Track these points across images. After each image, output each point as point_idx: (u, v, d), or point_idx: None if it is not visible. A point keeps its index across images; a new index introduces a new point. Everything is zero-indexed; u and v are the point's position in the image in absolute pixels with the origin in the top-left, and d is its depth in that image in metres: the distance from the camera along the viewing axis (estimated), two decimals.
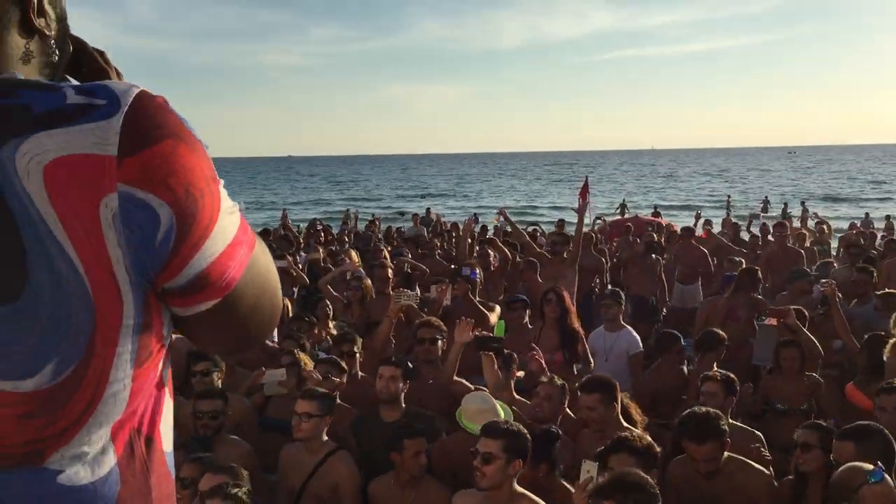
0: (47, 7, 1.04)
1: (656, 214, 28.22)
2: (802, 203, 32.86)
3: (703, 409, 4.08)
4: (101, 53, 1.22)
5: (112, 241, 0.87)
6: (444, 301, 6.63)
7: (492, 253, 9.51)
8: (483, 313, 6.62)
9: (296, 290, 9.32)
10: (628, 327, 6.89)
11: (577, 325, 6.23)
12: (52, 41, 1.05)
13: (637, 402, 4.90)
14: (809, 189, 55.78)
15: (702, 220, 17.49)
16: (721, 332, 6.14)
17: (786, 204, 33.81)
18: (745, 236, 14.93)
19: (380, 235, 16.00)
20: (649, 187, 66.83)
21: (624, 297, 7.23)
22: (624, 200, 38.55)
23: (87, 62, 1.19)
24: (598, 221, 19.27)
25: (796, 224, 19.18)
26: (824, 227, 16.02)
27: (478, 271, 7.49)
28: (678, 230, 14.35)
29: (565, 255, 8.65)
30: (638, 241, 12.59)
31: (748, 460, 3.97)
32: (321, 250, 11.54)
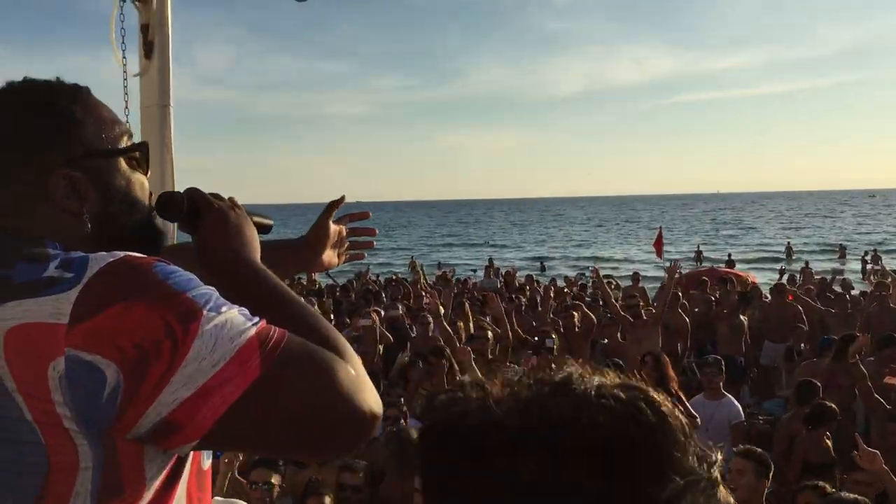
0: (88, 188, 1.17)
1: (730, 265, 27.74)
2: (875, 251, 31.94)
3: (851, 496, 3.86)
4: (217, 195, 1.36)
5: (59, 400, 0.97)
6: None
7: (576, 315, 9.36)
8: None
9: (381, 348, 9.27)
10: (729, 396, 6.77)
11: (677, 390, 6.12)
12: (86, 217, 1.17)
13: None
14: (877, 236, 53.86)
15: (786, 276, 17.10)
16: (833, 405, 5.96)
17: (873, 251, 32.54)
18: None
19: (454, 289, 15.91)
20: (717, 234, 65.75)
21: (723, 364, 7.10)
22: (699, 247, 38.00)
23: (202, 206, 1.33)
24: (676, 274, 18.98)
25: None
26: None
27: (553, 338, 7.39)
28: (756, 283, 14.12)
29: (645, 317, 8.56)
30: (715, 296, 12.38)
31: None
32: (400, 307, 11.50)
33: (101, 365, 0.97)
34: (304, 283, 16.50)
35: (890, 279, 16.96)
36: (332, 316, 11.04)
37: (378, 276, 23.02)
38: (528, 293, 14.66)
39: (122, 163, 1.24)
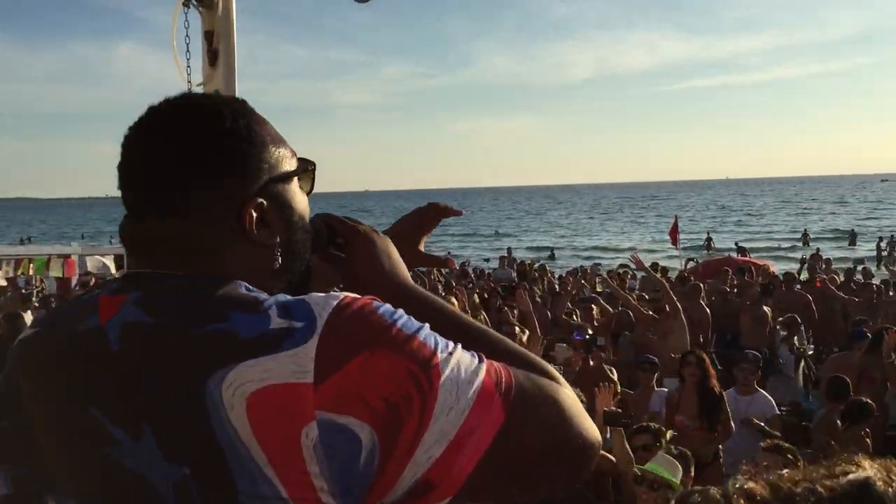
0: (274, 216, 1.06)
1: (742, 252, 27.68)
2: (892, 237, 31.72)
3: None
4: (342, 221, 1.24)
5: (314, 470, 0.87)
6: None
7: (595, 308, 9.33)
8: (613, 380, 6.56)
9: None
10: (762, 391, 6.73)
11: (717, 389, 6.07)
12: (277, 250, 1.07)
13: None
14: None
15: (824, 259, 16.97)
16: (871, 402, 5.89)
17: (890, 237, 32.25)
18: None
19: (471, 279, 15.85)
20: (727, 220, 65.51)
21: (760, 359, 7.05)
22: (709, 234, 37.89)
23: (346, 233, 1.22)
24: (691, 263, 18.93)
25: None
26: None
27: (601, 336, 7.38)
28: (775, 272, 14.02)
29: (668, 308, 8.54)
30: (731, 286, 12.30)
31: None
32: None
33: (354, 427, 0.88)
34: None
35: None
36: None
37: None
38: (544, 284, 14.64)
39: (297, 184, 1.13)
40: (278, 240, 1.07)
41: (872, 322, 9.99)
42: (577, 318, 9.62)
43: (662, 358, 7.74)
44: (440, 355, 0.94)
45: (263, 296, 0.96)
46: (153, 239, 1.03)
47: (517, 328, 7.49)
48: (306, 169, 1.15)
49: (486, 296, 11.79)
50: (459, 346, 0.97)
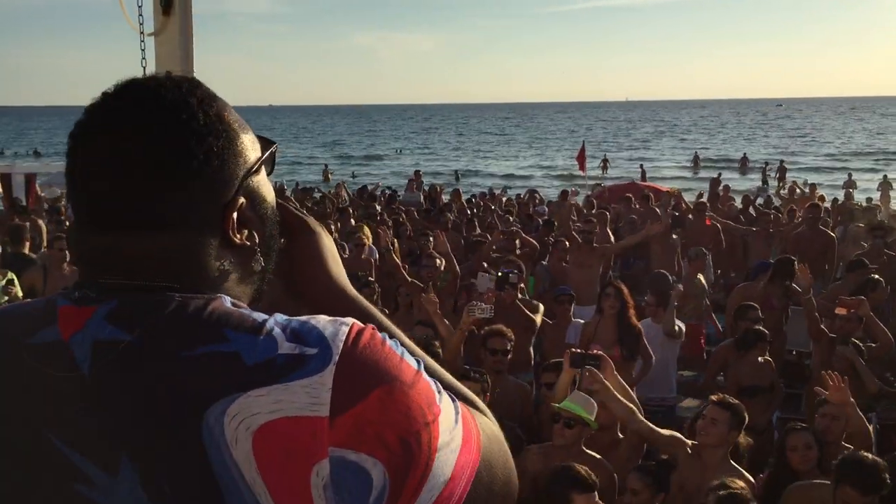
0: (251, 214, 0.96)
1: (642, 177, 28.52)
2: (781, 163, 33.13)
3: (871, 456, 3.82)
4: (292, 212, 1.12)
5: None
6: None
7: (517, 242, 9.28)
8: (532, 319, 6.53)
9: None
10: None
11: (636, 320, 6.25)
12: (257, 250, 0.98)
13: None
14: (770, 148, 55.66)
15: (721, 187, 17.49)
16: (765, 329, 6.20)
17: (775, 165, 33.50)
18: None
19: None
20: (624, 142, 66.81)
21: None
22: (605, 157, 38.62)
23: (296, 227, 1.11)
24: (598, 186, 19.23)
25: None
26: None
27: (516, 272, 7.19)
28: (684, 200, 14.43)
29: (595, 245, 8.66)
30: (635, 212, 12.60)
31: None
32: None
33: (366, 465, 0.81)
34: None
35: (798, 193, 17.74)
36: None
37: (297, 185, 22.44)
38: (455, 210, 14.51)
39: (264, 172, 1.01)
40: (257, 239, 0.97)
41: (770, 250, 10.51)
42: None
43: (582, 288, 7.91)
44: (437, 392, 0.90)
45: (261, 315, 0.87)
46: (122, 251, 0.89)
47: (437, 259, 7.48)
48: (272, 152, 1.03)
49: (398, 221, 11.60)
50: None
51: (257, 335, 0.83)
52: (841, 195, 19.50)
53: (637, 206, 13.73)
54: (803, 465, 4.20)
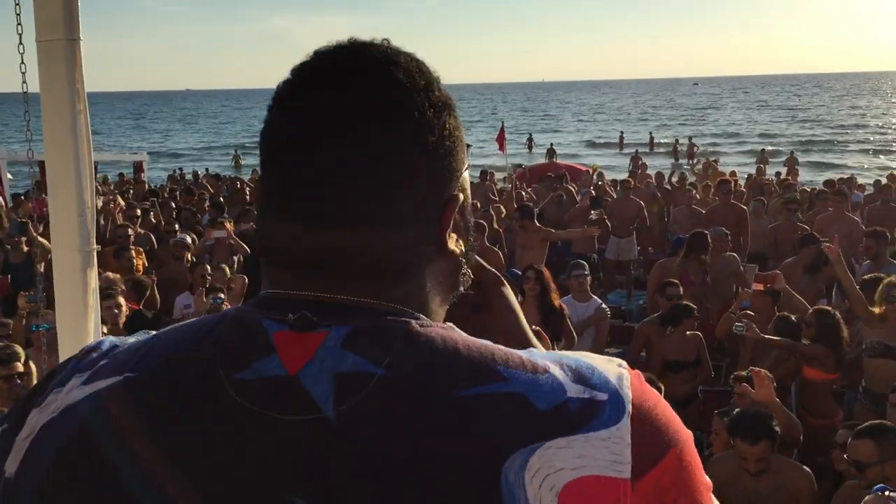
0: (457, 216, 0.80)
1: (551, 153, 29.17)
2: (690, 139, 34.12)
3: (755, 408, 4.17)
4: (484, 267, 1.00)
5: None
6: None
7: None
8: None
9: (236, 259, 8.90)
10: (596, 297, 7.07)
11: (558, 301, 6.28)
12: (463, 259, 0.82)
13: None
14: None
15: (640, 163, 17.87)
16: (691, 304, 6.33)
17: (685, 140, 34.53)
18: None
19: None
20: (540, 122, 67.45)
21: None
22: (531, 135, 39.06)
23: (492, 283, 0.99)
24: (519, 167, 19.33)
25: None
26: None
27: None
28: (606, 181, 14.72)
29: (530, 229, 8.72)
30: (555, 192, 12.74)
31: (789, 459, 4.16)
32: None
33: None
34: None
35: (711, 171, 18.24)
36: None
37: (207, 169, 22.32)
38: None
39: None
40: (463, 248, 0.82)
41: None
42: None
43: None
44: None
45: (516, 350, 0.73)
46: (339, 255, 0.73)
47: None
48: (469, 145, 0.86)
49: None
50: None
51: (536, 373, 0.69)
52: (753, 171, 20.14)
53: (556, 187, 13.85)
54: (719, 450, 4.50)
